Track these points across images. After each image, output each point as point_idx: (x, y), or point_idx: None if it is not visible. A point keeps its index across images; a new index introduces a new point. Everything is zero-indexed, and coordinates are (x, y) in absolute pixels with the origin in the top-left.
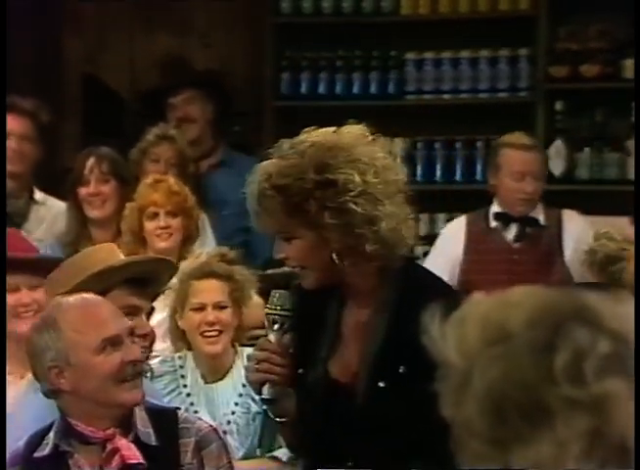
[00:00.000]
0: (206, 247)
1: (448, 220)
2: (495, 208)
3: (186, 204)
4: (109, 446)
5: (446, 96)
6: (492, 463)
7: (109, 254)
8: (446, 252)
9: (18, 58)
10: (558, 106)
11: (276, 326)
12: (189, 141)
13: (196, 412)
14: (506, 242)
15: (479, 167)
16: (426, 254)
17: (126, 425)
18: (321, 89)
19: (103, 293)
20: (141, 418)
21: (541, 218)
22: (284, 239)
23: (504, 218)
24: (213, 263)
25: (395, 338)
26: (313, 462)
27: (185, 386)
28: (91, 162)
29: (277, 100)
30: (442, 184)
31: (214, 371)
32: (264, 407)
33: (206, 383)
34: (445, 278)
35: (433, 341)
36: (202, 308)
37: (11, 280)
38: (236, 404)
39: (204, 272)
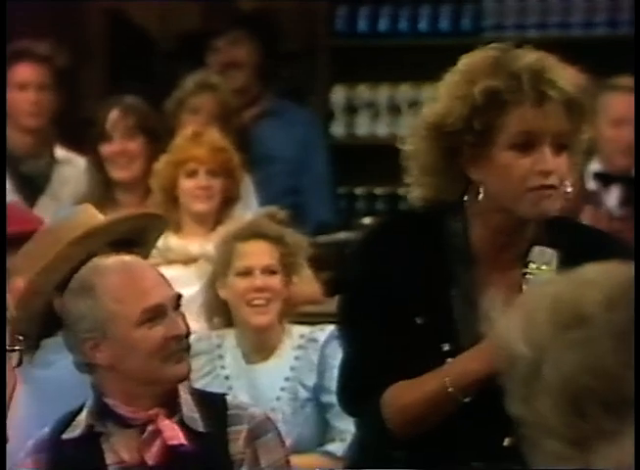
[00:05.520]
0: (248, 211)
1: None
2: (595, 166)
3: (231, 163)
4: (149, 428)
5: (532, 33)
6: (572, 464)
7: (87, 216)
8: None
9: None
10: None
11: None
12: (234, 89)
13: None
14: (606, 209)
15: None
16: None
17: (171, 406)
18: (382, 26)
19: (85, 260)
20: (186, 401)
21: None
22: (556, 149)
23: (603, 179)
24: (263, 223)
25: None
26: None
27: (223, 367)
28: (114, 114)
29: (331, 38)
30: None
31: (259, 349)
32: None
33: (248, 363)
34: None
35: (496, 331)
36: (248, 273)
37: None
38: (282, 389)
39: (252, 232)
